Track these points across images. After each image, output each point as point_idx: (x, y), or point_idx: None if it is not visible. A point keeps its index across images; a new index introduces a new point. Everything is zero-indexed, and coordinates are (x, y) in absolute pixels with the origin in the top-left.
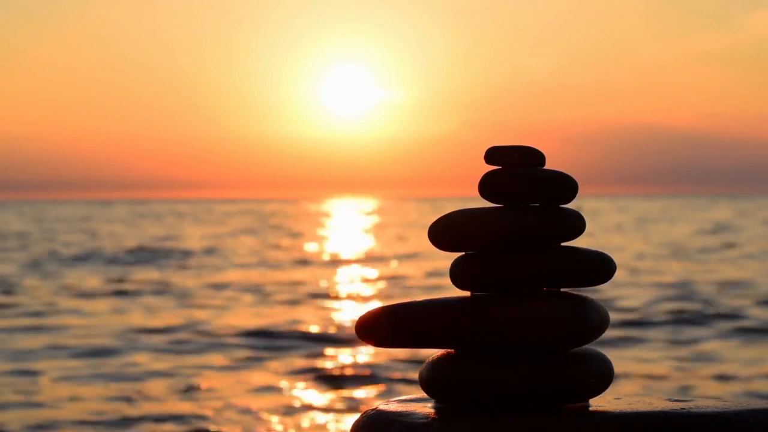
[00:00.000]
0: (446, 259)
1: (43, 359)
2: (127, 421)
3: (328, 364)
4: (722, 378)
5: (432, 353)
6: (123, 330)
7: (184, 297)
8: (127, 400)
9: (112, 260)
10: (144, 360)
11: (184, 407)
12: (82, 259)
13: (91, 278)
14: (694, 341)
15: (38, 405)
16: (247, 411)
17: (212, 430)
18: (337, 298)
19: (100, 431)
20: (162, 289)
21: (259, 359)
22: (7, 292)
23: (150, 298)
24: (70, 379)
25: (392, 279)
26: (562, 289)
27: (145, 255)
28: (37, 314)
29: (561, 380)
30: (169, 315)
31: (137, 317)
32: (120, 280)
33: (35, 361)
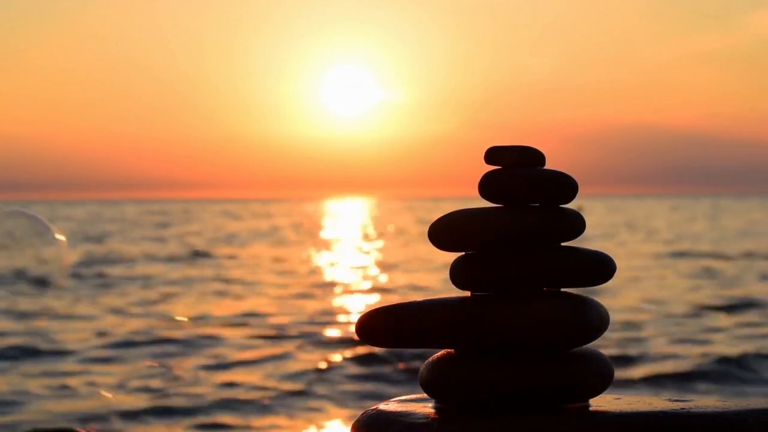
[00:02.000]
0: None
1: None
2: None
3: (326, 364)
4: None
5: (432, 353)
6: None
7: None
8: None
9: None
10: None
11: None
12: None
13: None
14: None
15: None
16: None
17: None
18: None
19: None
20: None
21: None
22: None
23: None
24: None
25: None
26: (562, 289)
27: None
28: None
29: (561, 380)
30: None
31: None
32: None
33: None
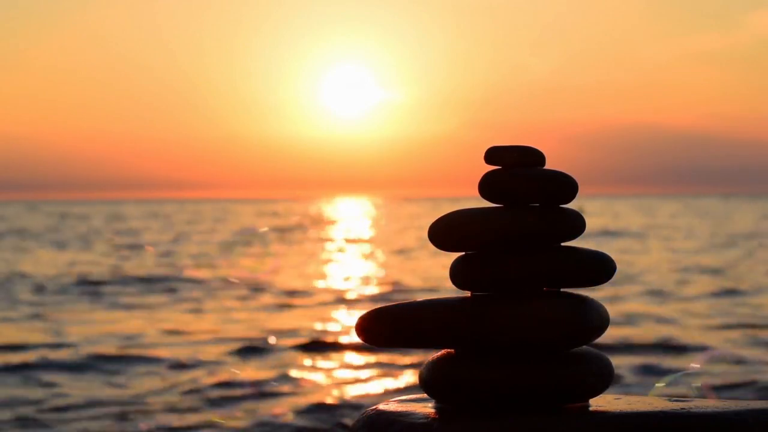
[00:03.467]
0: None
1: None
2: None
3: (325, 364)
4: None
5: (432, 353)
6: None
7: None
8: None
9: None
10: None
11: None
12: None
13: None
14: None
15: None
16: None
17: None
18: None
19: None
20: None
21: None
22: None
23: None
24: None
25: None
26: (562, 289)
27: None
28: None
29: (561, 380)
30: None
31: None
32: None
33: None
